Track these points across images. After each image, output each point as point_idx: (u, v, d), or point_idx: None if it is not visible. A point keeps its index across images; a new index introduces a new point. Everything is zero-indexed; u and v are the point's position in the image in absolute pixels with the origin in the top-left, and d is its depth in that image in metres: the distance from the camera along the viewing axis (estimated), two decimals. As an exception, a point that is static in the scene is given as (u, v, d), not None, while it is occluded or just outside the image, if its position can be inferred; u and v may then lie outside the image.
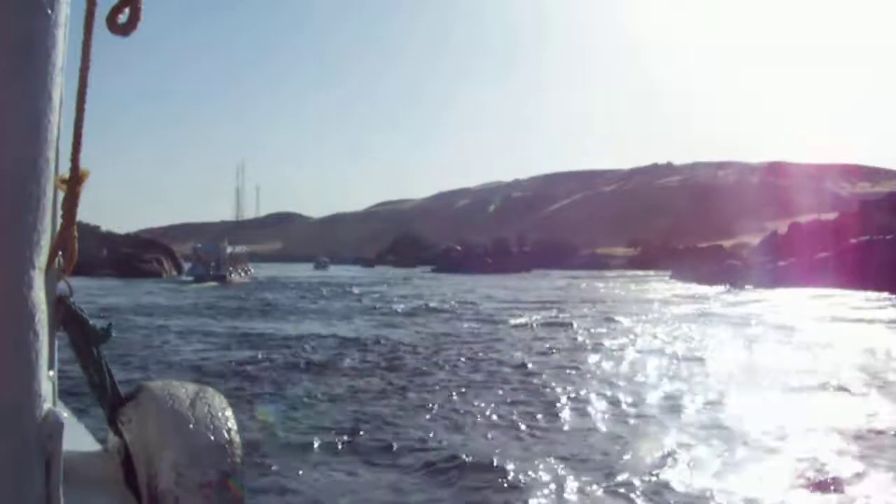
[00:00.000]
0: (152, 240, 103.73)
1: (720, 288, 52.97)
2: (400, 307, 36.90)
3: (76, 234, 1.33)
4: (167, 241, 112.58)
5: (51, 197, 0.86)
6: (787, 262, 56.53)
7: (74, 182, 1.29)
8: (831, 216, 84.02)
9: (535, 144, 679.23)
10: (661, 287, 59.68)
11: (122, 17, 1.33)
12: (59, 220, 1.29)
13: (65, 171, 1.29)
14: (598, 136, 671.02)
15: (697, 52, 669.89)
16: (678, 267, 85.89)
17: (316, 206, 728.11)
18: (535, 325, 28.12)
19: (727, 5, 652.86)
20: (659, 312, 34.25)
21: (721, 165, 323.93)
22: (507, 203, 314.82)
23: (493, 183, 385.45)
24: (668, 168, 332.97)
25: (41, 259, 0.86)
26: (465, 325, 28.53)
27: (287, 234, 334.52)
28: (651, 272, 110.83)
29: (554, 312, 34.22)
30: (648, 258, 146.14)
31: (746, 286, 52.85)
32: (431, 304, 39.01)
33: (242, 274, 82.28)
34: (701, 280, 62.74)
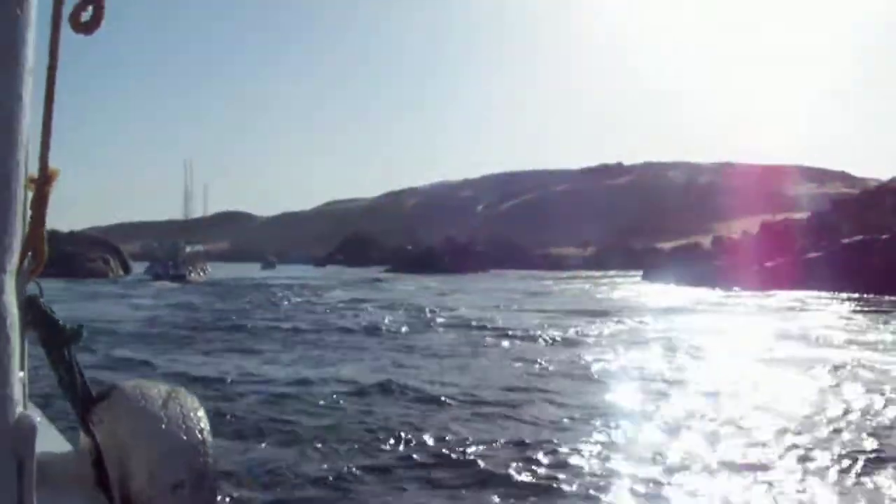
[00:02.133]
0: (98, 238, 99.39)
1: (709, 291, 50.43)
2: (387, 321, 28.81)
3: (45, 234, 1.33)
4: (114, 240, 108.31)
5: (21, 199, 0.85)
6: (773, 262, 54.58)
7: (43, 182, 1.28)
8: (801, 216, 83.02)
9: (485, 144, 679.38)
10: (645, 290, 56.17)
11: (86, 16, 1.32)
12: (29, 221, 1.27)
13: (33, 170, 1.26)
14: (547, 136, 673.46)
15: (647, 54, 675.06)
16: (648, 267, 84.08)
17: (265, 204, 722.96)
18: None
19: (678, 8, 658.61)
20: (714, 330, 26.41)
21: (671, 166, 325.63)
22: (456, 203, 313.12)
23: (442, 182, 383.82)
24: (619, 168, 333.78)
25: (11, 262, 0.85)
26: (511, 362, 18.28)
27: (236, 233, 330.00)
28: (613, 272, 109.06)
29: (587, 326, 27.33)
30: (606, 258, 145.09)
31: (734, 288, 50.84)
32: (429, 317, 31.15)
33: (201, 273, 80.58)
34: (680, 282, 60.76)
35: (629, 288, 60.44)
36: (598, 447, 9.66)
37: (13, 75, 0.83)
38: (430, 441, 9.99)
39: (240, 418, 11.45)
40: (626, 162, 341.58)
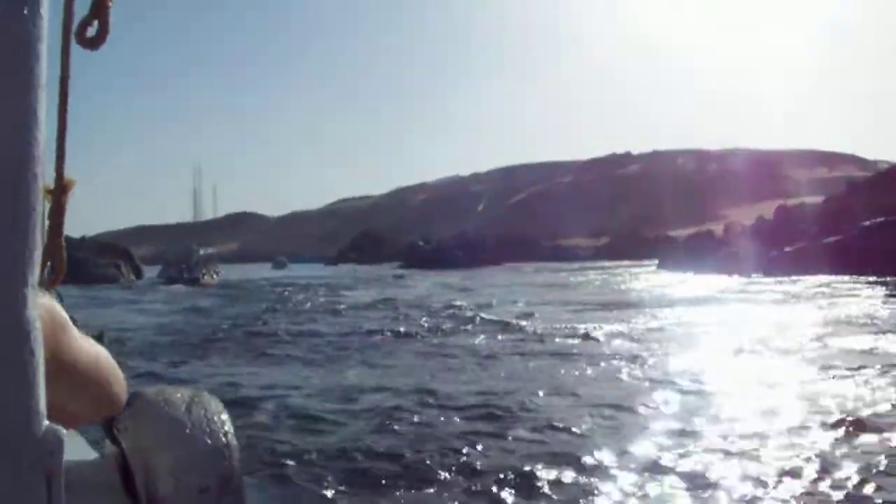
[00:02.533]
0: (109, 243, 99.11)
1: (728, 278, 49.40)
2: (424, 322, 26.49)
3: (64, 243, 1.36)
4: (125, 244, 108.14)
5: (40, 212, 0.89)
6: (793, 247, 53.71)
7: (60, 192, 1.32)
8: (816, 200, 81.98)
9: (493, 138, 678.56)
10: (665, 280, 54.45)
11: (91, 31, 1.34)
12: (46, 232, 1.29)
13: (49, 181, 1.28)
14: (555, 126, 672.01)
15: (652, 40, 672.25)
16: (664, 256, 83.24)
17: (274, 205, 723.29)
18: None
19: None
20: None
21: (680, 154, 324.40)
22: (466, 197, 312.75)
23: (450, 178, 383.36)
24: (627, 157, 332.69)
25: (33, 275, 0.89)
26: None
27: (245, 234, 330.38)
28: (627, 262, 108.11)
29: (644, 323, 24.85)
30: (618, 248, 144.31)
31: (753, 274, 50.02)
32: (468, 315, 28.59)
33: (214, 276, 79.79)
34: (698, 270, 59.92)
35: (647, 278, 59.33)
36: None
37: (26, 89, 0.86)
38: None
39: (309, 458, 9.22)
40: (634, 151, 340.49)
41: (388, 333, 23.40)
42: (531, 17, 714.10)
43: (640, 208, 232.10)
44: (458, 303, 34.91)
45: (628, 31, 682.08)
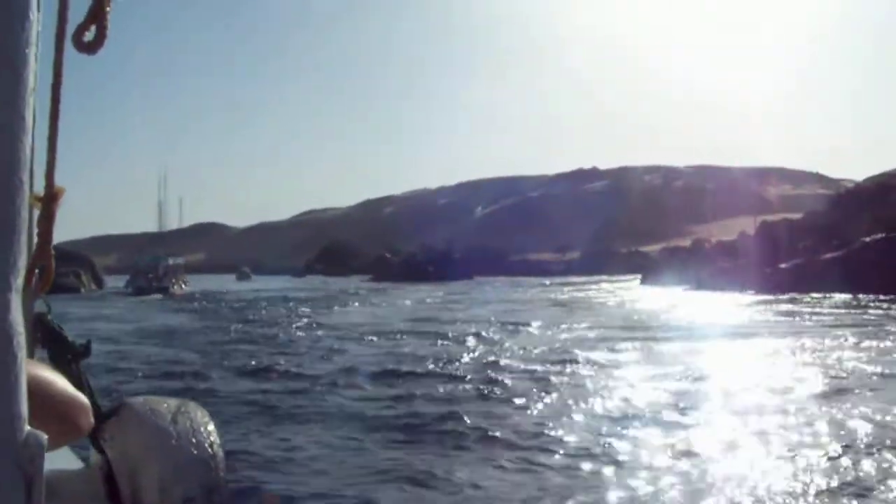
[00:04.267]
0: (69, 251, 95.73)
1: (723, 294, 47.26)
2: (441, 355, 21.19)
3: (53, 251, 1.37)
4: (90, 253, 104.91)
5: (26, 218, 0.89)
6: (789, 264, 52.12)
7: (49, 199, 1.33)
8: (787, 216, 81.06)
9: (460, 151, 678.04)
10: (659, 296, 51.38)
11: (89, 35, 1.35)
12: (36, 239, 1.32)
13: (39, 189, 1.31)
14: (522, 141, 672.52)
15: (619, 56, 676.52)
16: (646, 271, 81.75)
17: (240, 215, 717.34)
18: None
19: (651, 11, 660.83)
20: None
21: (648, 169, 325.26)
22: (433, 210, 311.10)
23: (418, 190, 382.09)
24: (594, 172, 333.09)
25: (18, 281, 0.87)
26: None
27: (211, 245, 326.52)
28: (605, 277, 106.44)
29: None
30: (589, 263, 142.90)
31: (748, 291, 48.26)
32: (478, 352, 22.02)
33: (182, 286, 78.81)
34: (687, 286, 58.26)
35: (638, 294, 57.37)
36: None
37: (16, 94, 0.85)
38: None
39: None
40: (602, 166, 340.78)
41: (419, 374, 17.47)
42: (501, 32, 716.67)
43: (606, 223, 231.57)
44: (454, 330, 28.41)
45: (598, 47, 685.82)
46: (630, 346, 22.84)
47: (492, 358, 20.54)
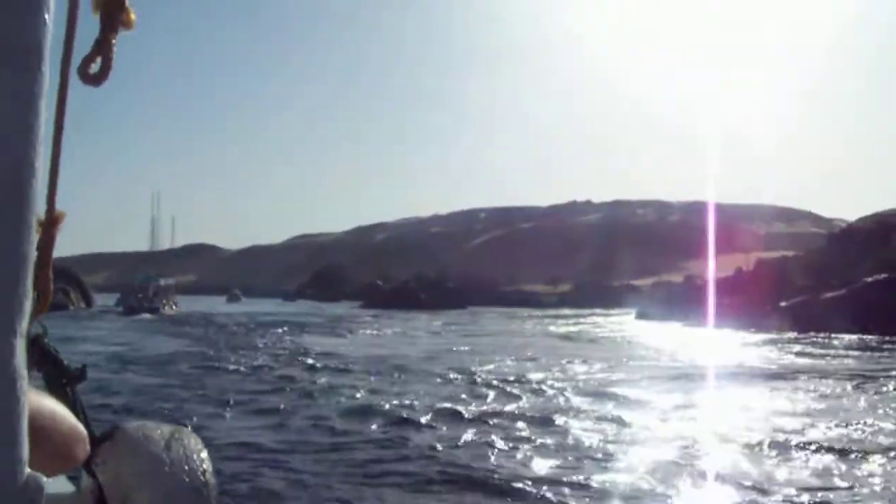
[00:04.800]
0: (57, 267, 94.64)
1: (731, 332, 46.54)
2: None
3: (51, 275, 1.40)
4: (80, 271, 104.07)
5: (32, 264, 0.87)
6: (788, 302, 51.71)
7: (50, 224, 1.35)
8: (778, 254, 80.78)
9: (454, 180, 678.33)
10: (663, 331, 50.22)
11: (94, 67, 1.38)
12: (35, 263, 1.29)
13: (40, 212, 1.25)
14: (516, 171, 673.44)
15: (614, 89, 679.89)
16: (642, 305, 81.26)
17: (232, 237, 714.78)
18: None
19: (643, 44, 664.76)
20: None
21: (641, 204, 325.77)
22: (425, 238, 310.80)
23: (411, 218, 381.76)
24: (587, 205, 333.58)
25: (23, 325, 0.86)
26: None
27: (202, 266, 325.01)
28: (600, 310, 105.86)
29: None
30: (581, 295, 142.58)
31: (751, 329, 47.69)
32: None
33: (173, 307, 78.69)
34: (686, 322, 57.67)
35: (637, 329, 56.55)
36: None
37: (28, 124, 0.85)
38: None
39: None
40: (595, 199, 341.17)
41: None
42: (493, 60, 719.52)
43: (598, 256, 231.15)
44: (495, 369, 25.31)
45: (592, 80, 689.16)
46: (672, 388, 21.92)
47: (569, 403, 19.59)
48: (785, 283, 57.99)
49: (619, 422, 16.08)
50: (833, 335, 42.53)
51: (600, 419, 15.97)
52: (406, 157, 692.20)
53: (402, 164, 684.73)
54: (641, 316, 73.98)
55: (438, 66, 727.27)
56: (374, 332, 51.57)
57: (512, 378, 23.72)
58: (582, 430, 15.07)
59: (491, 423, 15.80)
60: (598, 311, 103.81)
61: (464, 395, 19.76)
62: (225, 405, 17.48)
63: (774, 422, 16.42)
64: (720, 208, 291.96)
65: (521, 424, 15.81)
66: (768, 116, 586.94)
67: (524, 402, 18.92)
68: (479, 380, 23.22)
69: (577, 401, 18.97)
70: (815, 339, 41.09)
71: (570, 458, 12.97)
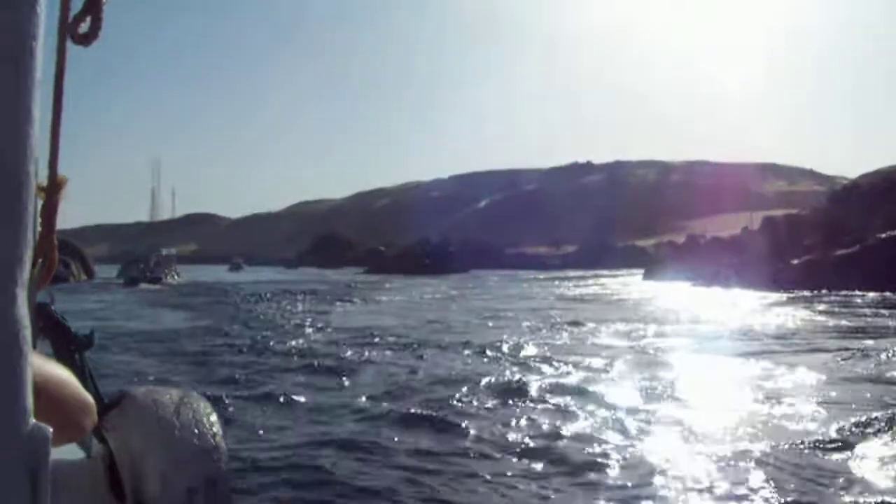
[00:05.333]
0: (59, 240, 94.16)
1: (746, 292, 45.09)
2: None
3: (56, 242, 1.37)
4: (81, 242, 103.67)
5: (33, 212, 0.88)
6: (800, 260, 50.91)
7: (53, 189, 1.33)
8: (783, 212, 79.71)
9: (454, 144, 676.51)
10: (678, 293, 48.59)
11: (84, 27, 1.36)
12: (39, 229, 1.30)
13: (42, 178, 1.29)
14: (516, 134, 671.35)
15: (612, 50, 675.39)
16: (648, 266, 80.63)
17: (232, 206, 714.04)
18: None
19: (646, 6, 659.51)
20: None
21: (641, 164, 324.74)
22: (426, 203, 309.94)
23: (411, 183, 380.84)
24: (588, 167, 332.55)
25: (24, 275, 0.88)
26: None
27: (203, 235, 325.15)
28: (603, 271, 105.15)
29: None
30: (585, 257, 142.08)
31: (760, 287, 46.63)
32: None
33: (175, 276, 78.24)
34: (696, 282, 56.89)
35: (646, 289, 55.10)
36: None
37: (22, 88, 0.86)
38: None
39: None
40: (596, 161, 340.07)
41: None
42: (496, 26, 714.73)
43: (600, 218, 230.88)
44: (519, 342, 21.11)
45: (591, 42, 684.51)
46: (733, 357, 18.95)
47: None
48: (793, 242, 57.11)
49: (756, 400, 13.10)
50: (848, 293, 41.59)
51: (722, 408, 12.58)
52: (405, 122, 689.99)
53: (402, 129, 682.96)
54: (649, 276, 73.17)
55: (438, 32, 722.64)
56: (389, 298, 48.72)
57: (568, 351, 20.09)
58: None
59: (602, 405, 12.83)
60: (603, 272, 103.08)
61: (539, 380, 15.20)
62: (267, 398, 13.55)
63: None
64: (721, 167, 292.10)
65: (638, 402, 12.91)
66: (768, 74, 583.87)
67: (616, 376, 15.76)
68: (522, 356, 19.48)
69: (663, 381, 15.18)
70: (835, 298, 39.72)
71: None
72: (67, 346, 1.81)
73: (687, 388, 13.90)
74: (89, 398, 1.30)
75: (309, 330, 25.88)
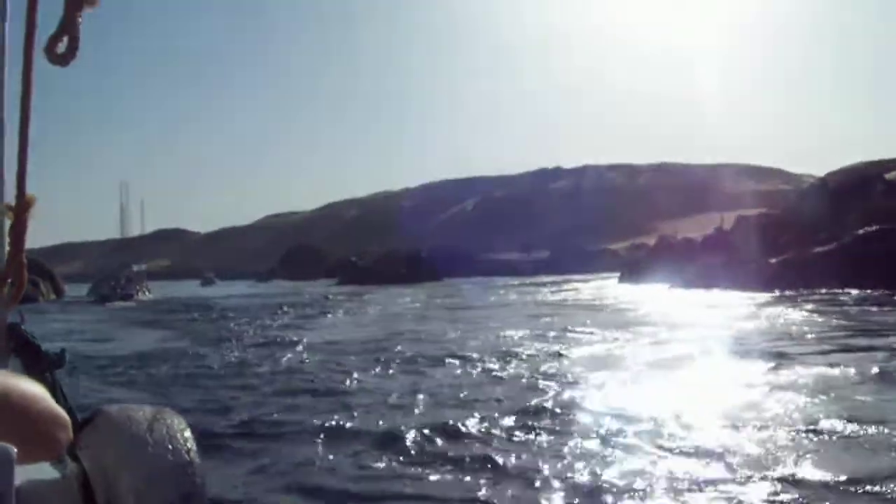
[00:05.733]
0: (27, 259, 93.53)
1: (725, 293, 44.88)
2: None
3: (25, 261, 1.39)
4: (51, 261, 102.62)
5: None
6: (778, 258, 50.94)
7: (21, 209, 1.34)
8: (753, 212, 79.91)
9: (423, 152, 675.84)
10: (657, 296, 47.93)
11: (61, 47, 1.36)
12: (8, 249, 1.33)
13: (10, 198, 1.33)
14: (484, 141, 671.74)
15: (577, 56, 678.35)
16: (624, 269, 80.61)
17: (202, 221, 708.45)
18: None
19: (608, 9, 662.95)
20: None
21: (610, 168, 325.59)
22: (396, 213, 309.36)
23: (381, 192, 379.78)
24: (557, 171, 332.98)
25: None
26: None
27: (174, 251, 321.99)
28: (576, 276, 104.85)
29: None
30: (557, 262, 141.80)
31: (741, 288, 46.58)
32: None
33: (147, 293, 78.20)
34: (674, 284, 56.73)
35: (625, 293, 54.85)
36: None
37: None
38: None
39: None
40: (565, 165, 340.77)
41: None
42: (459, 34, 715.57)
43: (570, 222, 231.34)
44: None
45: (557, 47, 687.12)
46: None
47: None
48: (768, 241, 57.16)
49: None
50: (828, 291, 41.57)
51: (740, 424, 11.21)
52: (373, 132, 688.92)
53: (371, 140, 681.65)
54: (625, 279, 72.98)
55: (402, 41, 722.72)
56: (372, 309, 47.37)
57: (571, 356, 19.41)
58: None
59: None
60: (576, 276, 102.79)
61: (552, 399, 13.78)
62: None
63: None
64: (688, 168, 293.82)
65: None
66: (731, 75, 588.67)
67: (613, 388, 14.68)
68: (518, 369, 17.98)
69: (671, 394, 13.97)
70: (820, 297, 39.59)
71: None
72: (38, 365, 1.78)
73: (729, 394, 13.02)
74: (63, 413, 1.27)
75: (298, 347, 23.74)
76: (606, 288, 65.25)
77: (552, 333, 26.18)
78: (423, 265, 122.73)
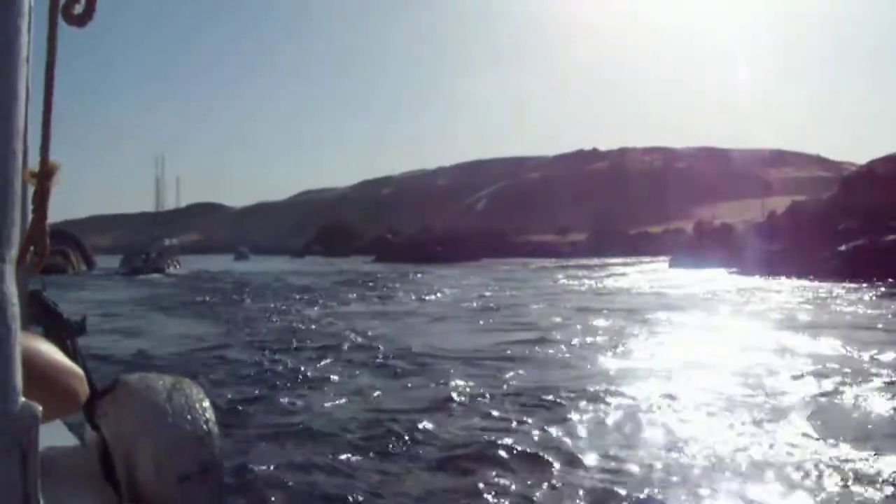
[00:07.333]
0: (57, 230, 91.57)
1: (796, 281, 42.22)
2: None
3: (48, 228, 1.36)
4: (86, 233, 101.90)
5: (19, 190, 0.85)
6: (847, 246, 48.14)
7: (44, 175, 1.32)
8: (800, 198, 76.67)
9: (459, 132, 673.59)
10: (732, 281, 45.20)
11: (78, 8, 1.33)
12: (31, 215, 1.31)
13: (34, 164, 1.30)
14: (521, 122, 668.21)
15: (618, 37, 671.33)
16: (673, 253, 77.96)
17: (237, 195, 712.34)
18: None
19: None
20: None
21: (647, 151, 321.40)
22: (431, 191, 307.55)
23: (416, 171, 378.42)
24: (594, 154, 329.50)
25: (11, 252, 0.84)
26: None
27: (208, 225, 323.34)
28: (618, 259, 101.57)
29: None
30: (596, 244, 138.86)
31: (809, 276, 43.91)
32: None
33: (177, 266, 77.73)
34: (732, 269, 54.16)
35: (695, 279, 51.05)
36: None
37: (8, 68, 0.83)
38: None
39: None
40: (602, 147, 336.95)
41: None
42: (500, 16, 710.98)
43: (607, 205, 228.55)
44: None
45: (596, 28, 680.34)
46: None
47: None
48: (824, 229, 54.21)
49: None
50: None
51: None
52: (410, 110, 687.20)
53: (407, 118, 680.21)
54: (675, 264, 70.06)
55: (444, 20, 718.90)
56: (429, 290, 40.32)
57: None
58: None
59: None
60: (615, 260, 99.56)
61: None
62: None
63: None
64: (726, 154, 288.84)
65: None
66: (772, 61, 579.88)
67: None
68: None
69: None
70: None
71: None
72: (60, 333, 1.76)
73: None
74: (78, 368, 1.29)
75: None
76: (660, 272, 62.02)
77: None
78: (459, 245, 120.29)
